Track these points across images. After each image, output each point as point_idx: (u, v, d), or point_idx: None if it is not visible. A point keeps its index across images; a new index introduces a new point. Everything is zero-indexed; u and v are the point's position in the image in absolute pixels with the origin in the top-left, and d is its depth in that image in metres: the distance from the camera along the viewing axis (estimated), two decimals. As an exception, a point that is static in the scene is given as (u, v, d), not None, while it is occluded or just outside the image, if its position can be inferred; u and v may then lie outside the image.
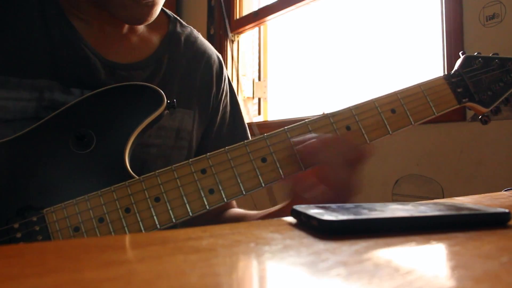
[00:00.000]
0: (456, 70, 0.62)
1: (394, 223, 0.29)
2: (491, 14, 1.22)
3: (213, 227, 0.31)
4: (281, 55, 2.20)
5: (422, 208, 0.33)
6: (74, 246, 0.28)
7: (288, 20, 2.11)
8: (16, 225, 0.52)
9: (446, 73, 0.62)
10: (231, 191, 0.53)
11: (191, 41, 0.79)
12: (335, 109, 0.57)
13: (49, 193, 0.54)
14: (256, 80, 2.26)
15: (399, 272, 0.20)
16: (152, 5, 0.64)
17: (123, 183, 0.53)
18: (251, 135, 0.78)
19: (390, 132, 0.57)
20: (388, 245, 0.26)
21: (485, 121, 0.62)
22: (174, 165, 0.53)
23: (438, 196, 1.28)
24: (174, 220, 0.51)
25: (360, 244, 0.25)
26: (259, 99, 2.23)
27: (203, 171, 0.53)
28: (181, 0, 2.56)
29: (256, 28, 2.25)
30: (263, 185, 0.53)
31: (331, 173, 0.52)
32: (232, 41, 2.26)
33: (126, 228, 0.51)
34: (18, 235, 0.52)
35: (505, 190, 0.60)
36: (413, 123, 0.58)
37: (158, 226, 0.51)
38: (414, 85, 0.59)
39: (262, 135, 0.55)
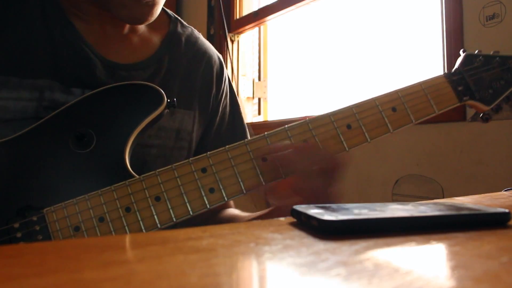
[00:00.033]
0: (456, 68, 0.62)
1: (394, 223, 0.29)
2: (491, 14, 1.22)
3: (213, 227, 0.31)
4: (281, 55, 2.20)
5: (422, 208, 0.33)
6: (74, 246, 0.28)
7: (288, 20, 2.11)
8: (16, 225, 0.52)
9: (446, 71, 0.62)
10: (232, 190, 0.53)
11: (191, 42, 0.79)
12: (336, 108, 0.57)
13: (49, 193, 0.54)
14: (256, 80, 2.26)
15: (399, 272, 0.20)
16: (153, 5, 0.64)
17: (123, 182, 0.53)
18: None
19: (391, 131, 0.57)
20: (388, 245, 0.26)
21: (486, 119, 0.62)
22: (174, 164, 0.53)
23: (438, 196, 1.28)
24: (174, 219, 0.51)
25: (360, 244, 0.25)
26: (259, 99, 2.23)
27: (204, 170, 0.53)
28: (181, 0, 2.56)
29: (256, 28, 2.25)
30: (263, 184, 0.53)
31: (303, 183, 0.52)
32: (232, 41, 2.26)
33: (126, 228, 0.51)
34: (18, 234, 0.52)
35: (505, 190, 0.60)
36: (414, 121, 0.58)
37: (158, 225, 0.51)
38: (414, 84, 0.59)
39: (262, 134, 0.55)
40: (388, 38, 1.67)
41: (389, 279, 0.19)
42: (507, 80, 0.61)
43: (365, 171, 1.51)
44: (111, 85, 0.61)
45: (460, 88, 0.60)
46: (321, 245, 0.25)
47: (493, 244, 0.26)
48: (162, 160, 0.69)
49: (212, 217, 0.77)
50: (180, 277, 0.20)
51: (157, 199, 0.52)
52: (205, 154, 0.54)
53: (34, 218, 0.52)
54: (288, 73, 2.15)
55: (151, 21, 0.66)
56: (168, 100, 0.60)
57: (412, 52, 1.57)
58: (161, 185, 0.52)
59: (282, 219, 0.35)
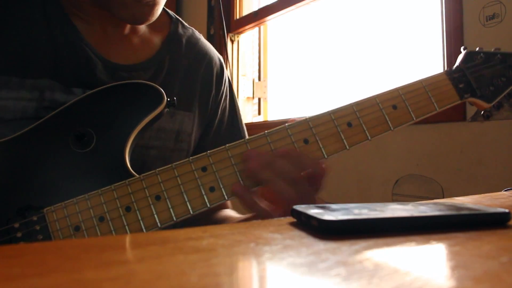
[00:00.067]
0: (457, 66, 0.62)
1: (394, 223, 0.29)
2: (491, 14, 1.22)
3: (213, 227, 0.31)
4: (281, 55, 2.20)
5: (422, 208, 0.33)
6: (74, 246, 0.28)
7: (288, 20, 2.11)
8: (16, 225, 0.52)
9: (447, 69, 0.62)
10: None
11: (192, 43, 0.79)
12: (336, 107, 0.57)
13: (49, 192, 0.54)
14: (256, 80, 2.26)
15: (399, 272, 0.20)
16: (153, 5, 0.64)
17: (123, 181, 0.53)
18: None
19: (392, 128, 0.57)
20: (388, 245, 0.26)
21: (487, 116, 0.62)
22: (174, 163, 0.53)
23: (438, 196, 1.28)
24: (174, 218, 0.51)
25: (360, 244, 0.25)
26: (259, 99, 2.23)
27: (204, 169, 0.53)
28: (181, 0, 2.55)
29: (256, 28, 2.25)
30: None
31: (276, 190, 0.52)
32: (232, 41, 2.26)
33: (126, 227, 0.51)
34: (19, 234, 0.52)
35: (505, 190, 0.60)
36: (414, 119, 0.57)
37: (158, 224, 0.51)
38: (415, 81, 0.59)
39: (263, 133, 0.55)
40: (388, 38, 1.67)
41: (389, 279, 0.19)
42: (508, 77, 0.61)
43: (365, 171, 1.51)
44: (110, 84, 0.61)
45: (461, 86, 0.60)
46: (321, 245, 0.25)
47: (493, 244, 0.26)
48: (162, 161, 0.69)
49: (206, 217, 0.76)
50: (180, 277, 0.20)
51: (157, 198, 0.52)
52: (205, 153, 0.54)
53: (34, 218, 0.52)
54: (288, 73, 2.15)
55: (151, 21, 0.66)
56: (168, 99, 0.59)
57: (412, 52, 1.57)
58: (161, 184, 0.52)
59: (282, 219, 0.35)
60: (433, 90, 0.59)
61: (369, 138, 0.56)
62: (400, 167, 1.40)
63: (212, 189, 0.52)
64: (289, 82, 2.13)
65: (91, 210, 0.52)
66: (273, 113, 2.19)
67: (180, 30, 0.79)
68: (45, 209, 0.52)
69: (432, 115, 0.59)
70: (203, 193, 0.52)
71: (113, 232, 0.51)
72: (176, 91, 0.73)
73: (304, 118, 0.56)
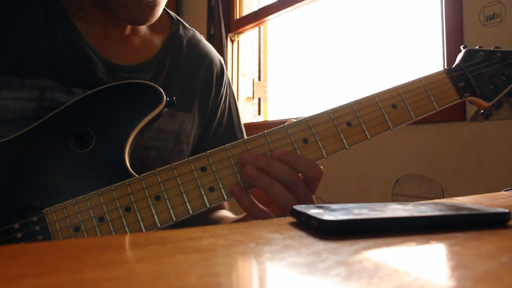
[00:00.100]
0: (457, 64, 0.61)
1: (394, 223, 0.29)
2: (491, 14, 1.22)
3: (213, 227, 0.31)
4: (281, 55, 2.20)
5: (422, 208, 0.33)
6: (74, 246, 0.28)
7: (288, 20, 2.11)
8: (16, 225, 0.52)
9: (447, 67, 0.62)
10: None
11: (193, 44, 0.79)
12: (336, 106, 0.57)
13: (49, 193, 0.54)
14: (256, 80, 2.26)
15: (399, 272, 0.20)
16: (154, 5, 0.63)
17: (123, 182, 0.53)
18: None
19: (391, 128, 0.57)
20: (388, 245, 0.26)
21: (487, 115, 0.62)
22: (174, 163, 0.53)
23: (438, 196, 1.28)
24: (174, 218, 0.51)
25: (360, 244, 0.25)
26: (259, 99, 2.24)
27: (203, 169, 0.53)
28: (181, 0, 2.56)
29: (256, 28, 2.25)
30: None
31: (273, 196, 0.51)
32: (232, 41, 2.26)
33: (126, 227, 0.51)
34: (19, 235, 0.52)
35: (505, 190, 0.60)
36: (414, 118, 0.57)
37: (158, 224, 0.51)
38: (415, 80, 0.59)
39: (262, 132, 0.55)
40: (388, 38, 1.67)
41: (389, 279, 0.19)
42: (508, 76, 0.61)
43: (365, 171, 1.51)
44: (110, 84, 0.61)
45: (461, 84, 0.60)
46: (321, 245, 0.25)
47: (493, 244, 0.26)
48: (161, 162, 0.69)
49: (201, 217, 0.76)
50: (180, 277, 0.20)
51: (157, 198, 0.52)
52: (204, 153, 0.54)
53: (34, 219, 0.52)
54: (288, 73, 2.15)
55: (152, 22, 0.66)
56: (167, 99, 0.59)
57: (413, 52, 1.58)
58: (161, 185, 0.52)
59: (282, 219, 0.35)
60: (432, 89, 0.58)
61: (369, 137, 0.56)
62: (400, 167, 1.40)
63: (211, 189, 0.52)
64: (289, 82, 2.13)
65: (91, 211, 0.52)
66: (273, 113, 2.19)
67: (181, 31, 0.78)
68: (45, 210, 0.52)
69: (432, 115, 0.59)
70: (203, 193, 0.52)
71: (113, 232, 0.51)
72: (177, 92, 0.72)
73: (304, 117, 0.56)
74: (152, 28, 0.75)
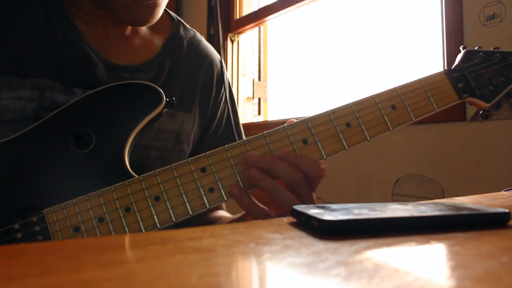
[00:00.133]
0: (456, 65, 0.61)
1: (394, 223, 0.29)
2: (491, 14, 1.22)
3: (213, 227, 0.31)
4: (281, 55, 2.20)
5: (422, 208, 0.33)
6: (74, 246, 0.28)
7: (288, 20, 2.11)
8: (16, 226, 0.52)
9: (446, 68, 0.62)
10: None
11: (194, 45, 0.79)
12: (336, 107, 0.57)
13: (49, 193, 0.54)
14: (256, 80, 2.26)
15: (399, 272, 0.20)
16: (154, 6, 0.63)
17: (123, 182, 0.53)
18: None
19: (391, 129, 0.57)
20: (388, 245, 0.26)
21: (486, 116, 0.62)
22: (173, 164, 0.53)
23: (438, 196, 1.28)
24: (174, 219, 0.51)
25: (360, 244, 0.25)
26: (259, 99, 2.24)
27: (203, 170, 0.53)
28: (181, 0, 2.56)
29: (256, 28, 2.25)
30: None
31: (276, 198, 0.51)
32: (232, 41, 2.26)
33: (126, 228, 0.51)
34: (19, 235, 0.52)
35: (505, 190, 0.60)
36: (413, 119, 0.57)
37: (158, 225, 0.51)
38: (414, 81, 0.59)
39: (262, 133, 0.55)
40: (388, 38, 1.67)
41: (389, 279, 0.19)
42: (507, 77, 0.61)
43: (365, 171, 1.51)
44: (110, 85, 0.61)
45: (460, 85, 0.60)
46: (321, 245, 0.25)
47: (493, 244, 0.26)
48: (161, 162, 0.69)
49: (199, 217, 0.76)
50: (180, 277, 0.20)
51: (157, 199, 0.52)
52: (204, 153, 0.54)
53: (34, 219, 0.52)
54: (288, 73, 2.15)
55: (152, 23, 0.66)
56: (167, 100, 0.59)
57: (412, 52, 1.58)
58: (161, 185, 0.52)
59: (282, 219, 0.35)
60: (432, 90, 0.58)
61: (368, 138, 0.56)
62: (400, 167, 1.40)
63: (211, 190, 0.52)
64: (289, 82, 2.13)
65: (90, 211, 0.52)
66: (273, 113, 2.19)
67: (182, 31, 0.79)
68: (44, 210, 0.52)
69: (432, 115, 0.59)
70: (203, 193, 0.52)
71: (113, 233, 0.51)
72: (177, 92, 0.72)
73: (303, 118, 0.56)
74: (153, 28, 0.75)
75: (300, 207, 0.32)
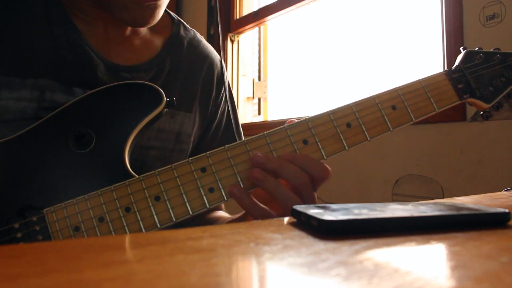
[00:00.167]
0: (457, 66, 0.62)
1: (394, 223, 0.29)
2: (491, 14, 1.22)
3: (213, 227, 0.31)
4: (281, 55, 2.20)
5: (422, 208, 0.33)
6: (74, 246, 0.28)
7: (288, 20, 2.11)
8: (16, 225, 0.52)
9: (447, 69, 0.62)
10: None
11: (194, 45, 0.79)
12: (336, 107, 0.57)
13: (49, 193, 0.54)
14: (256, 80, 2.26)
15: (399, 272, 0.20)
16: (155, 8, 0.63)
17: (123, 182, 0.53)
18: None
19: (391, 129, 0.57)
20: (388, 245, 0.26)
21: (486, 117, 0.62)
22: (173, 164, 0.53)
23: (438, 196, 1.28)
24: (174, 219, 0.51)
25: (360, 244, 0.25)
26: (259, 99, 2.24)
27: (203, 170, 0.53)
28: (181, 0, 2.56)
29: (256, 28, 2.25)
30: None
31: (279, 199, 0.51)
32: (232, 41, 2.26)
33: (126, 228, 0.51)
34: (19, 235, 0.52)
35: (505, 190, 0.60)
36: (414, 119, 0.57)
37: (158, 225, 0.51)
38: (414, 81, 0.59)
39: (262, 133, 0.55)
40: (388, 38, 1.67)
41: (389, 279, 0.19)
42: (507, 78, 0.61)
43: (365, 171, 1.51)
44: (110, 85, 0.61)
45: (460, 86, 0.60)
46: (321, 245, 0.25)
47: (493, 244, 0.26)
48: (161, 162, 0.69)
49: (198, 217, 0.76)
50: (180, 277, 0.20)
51: (157, 199, 0.52)
52: (204, 153, 0.54)
53: (34, 218, 0.52)
54: (288, 73, 2.15)
55: (153, 24, 0.66)
56: (167, 99, 0.59)
57: (412, 52, 1.58)
58: (161, 185, 0.52)
59: (282, 219, 0.35)
60: (432, 90, 0.59)
61: (368, 139, 0.56)
62: (400, 167, 1.40)
63: (211, 190, 0.52)
64: (289, 82, 2.13)
65: (90, 211, 0.52)
66: (273, 113, 2.19)
67: (182, 32, 0.79)
68: (45, 210, 0.52)
69: (432, 115, 0.59)
70: (203, 194, 0.52)
71: (113, 232, 0.51)
72: (177, 92, 0.73)
73: (304, 118, 0.56)
74: (153, 28, 0.75)
75: (300, 207, 0.32)
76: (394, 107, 0.57)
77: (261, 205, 0.52)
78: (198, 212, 0.52)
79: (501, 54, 0.62)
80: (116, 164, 0.56)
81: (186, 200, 0.52)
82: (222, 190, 0.52)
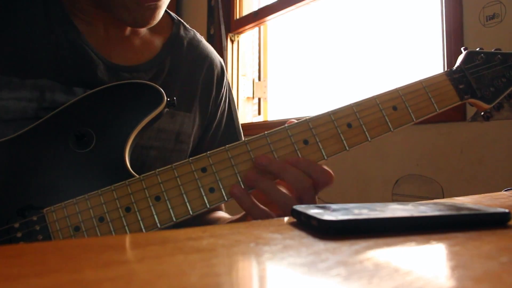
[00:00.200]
0: (458, 66, 0.61)
1: (394, 223, 0.29)
2: (491, 14, 1.22)
3: (213, 227, 0.31)
4: (281, 55, 2.20)
5: (422, 208, 0.33)
6: (74, 246, 0.28)
7: (288, 20, 2.11)
8: (16, 225, 0.52)
9: (447, 69, 0.62)
10: None
11: (194, 45, 0.79)
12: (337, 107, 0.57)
13: (49, 192, 0.54)
14: (256, 80, 2.26)
15: (399, 272, 0.20)
16: (155, 8, 0.63)
17: (123, 182, 0.53)
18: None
19: (392, 130, 0.57)
20: (388, 245, 0.26)
21: (487, 117, 0.62)
22: (174, 164, 0.53)
23: (438, 196, 1.28)
24: (174, 219, 0.51)
25: (360, 244, 0.25)
26: (259, 99, 2.24)
27: (204, 170, 0.53)
28: (181, 0, 2.56)
29: (256, 28, 2.25)
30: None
31: (274, 199, 0.51)
32: (232, 41, 2.26)
33: (126, 227, 0.51)
34: (19, 234, 0.52)
35: (505, 190, 0.60)
36: (414, 120, 0.57)
37: (158, 225, 0.51)
38: (415, 82, 0.59)
39: (262, 133, 0.55)
40: (388, 38, 1.67)
41: (389, 279, 0.19)
42: (508, 78, 0.61)
43: (365, 171, 1.51)
44: (110, 84, 0.61)
45: (461, 86, 0.60)
46: (321, 245, 0.25)
47: (493, 244, 0.26)
48: (161, 162, 0.69)
49: (197, 217, 0.76)
50: (180, 277, 0.20)
51: (157, 199, 0.52)
52: (205, 153, 0.54)
53: (34, 218, 0.52)
54: (288, 73, 2.15)
55: (153, 25, 0.66)
56: (168, 99, 0.59)
57: (412, 52, 1.58)
58: (161, 185, 0.52)
59: (282, 219, 0.35)
60: (433, 91, 0.58)
61: (369, 139, 0.56)
62: (400, 167, 1.40)
63: (212, 190, 0.52)
64: (289, 82, 2.13)
65: (91, 211, 0.52)
66: (273, 113, 2.19)
67: (182, 32, 0.79)
68: (45, 209, 0.52)
69: (432, 115, 0.59)
70: (203, 194, 0.52)
71: (113, 232, 0.51)
72: (177, 92, 0.73)
73: (304, 118, 0.56)
74: (153, 29, 0.75)
75: (300, 207, 0.32)
76: (395, 108, 0.57)
77: (261, 206, 0.52)
78: (199, 212, 0.52)
79: (502, 54, 0.62)
80: (116, 164, 0.56)
81: (186, 200, 0.52)
82: (222, 190, 0.52)
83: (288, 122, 0.56)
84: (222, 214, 0.80)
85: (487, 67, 0.61)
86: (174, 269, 0.21)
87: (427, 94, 0.58)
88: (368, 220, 0.29)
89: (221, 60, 0.85)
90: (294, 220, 0.33)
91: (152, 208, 0.52)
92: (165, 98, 0.59)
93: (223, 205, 0.82)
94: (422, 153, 1.35)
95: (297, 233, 0.29)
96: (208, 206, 0.52)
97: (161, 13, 0.66)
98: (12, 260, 0.23)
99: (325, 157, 0.55)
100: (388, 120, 0.57)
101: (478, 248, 0.25)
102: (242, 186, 0.52)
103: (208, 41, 0.86)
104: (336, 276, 0.20)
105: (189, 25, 0.83)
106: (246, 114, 2.20)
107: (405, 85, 0.58)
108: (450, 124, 1.28)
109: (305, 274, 0.20)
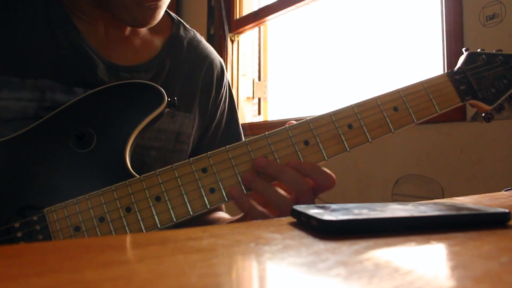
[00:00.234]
0: (459, 67, 0.61)
1: (394, 223, 0.29)
2: (491, 14, 1.22)
3: (213, 227, 0.31)
4: (281, 55, 2.20)
5: (422, 208, 0.33)
6: (74, 246, 0.28)
7: (288, 20, 2.11)
8: (16, 225, 0.52)
9: (448, 70, 0.62)
10: None
11: (194, 45, 0.79)
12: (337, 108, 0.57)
13: (50, 192, 0.54)
14: (256, 80, 2.26)
15: (399, 272, 0.20)
16: (155, 8, 0.63)
17: (124, 182, 0.53)
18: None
19: (393, 131, 0.57)
20: (388, 245, 0.26)
21: (488, 118, 0.62)
22: (174, 164, 0.53)
23: (438, 196, 1.28)
24: (174, 219, 0.51)
25: (360, 244, 0.25)
26: (259, 99, 2.24)
27: (204, 170, 0.53)
28: (181, 0, 2.56)
29: (256, 28, 2.25)
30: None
31: (270, 201, 0.51)
32: (232, 41, 2.26)
33: (126, 228, 0.51)
34: (19, 234, 0.52)
35: (505, 190, 0.60)
36: (415, 121, 0.57)
37: (158, 225, 0.51)
38: (416, 83, 0.59)
39: (263, 134, 0.55)
40: (388, 38, 1.67)
41: (389, 279, 0.19)
42: (510, 80, 0.61)
43: (365, 171, 1.51)
44: (111, 84, 0.61)
45: (462, 87, 0.59)
46: (321, 245, 0.25)
47: (493, 244, 0.26)
48: (161, 162, 0.69)
49: (198, 218, 0.76)
50: (180, 277, 0.20)
51: (158, 199, 0.52)
52: (205, 154, 0.54)
53: (35, 218, 0.52)
54: (288, 73, 2.15)
55: (153, 25, 0.66)
56: (169, 99, 0.59)
57: (412, 52, 1.58)
58: (162, 185, 0.52)
59: (282, 219, 0.35)
60: (434, 92, 0.58)
61: (370, 140, 0.56)
62: (400, 167, 1.40)
63: (212, 191, 0.52)
64: (289, 82, 2.13)
65: (91, 211, 0.52)
66: (273, 113, 2.19)
67: (182, 32, 0.79)
68: (45, 209, 0.52)
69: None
70: (204, 194, 0.52)
71: (113, 232, 0.51)
72: (177, 92, 0.73)
73: (305, 119, 0.56)
74: (153, 29, 0.75)
75: (300, 207, 0.32)
76: (396, 109, 0.57)
77: (260, 207, 0.52)
78: (199, 213, 0.52)
79: (503, 55, 0.61)
80: (117, 164, 0.56)
81: (186, 200, 0.52)
82: (223, 190, 0.52)
83: (287, 123, 0.56)
84: (222, 214, 0.80)
85: (488, 68, 0.61)
86: (174, 269, 0.21)
87: (428, 95, 0.58)
88: (368, 220, 0.29)
89: (221, 60, 0.85)
90: (294, 220, 0.33)
91: (152, 208, 0.52)
92: (166, 98, 0.59)
93: (223, 206, 0.82)
94: (422, 153, 1.35)
95: (297, 233, 0.29)
96: (208, 206, 0.52)
97: (161, 13, 0.66)
98: (12, 260, 0.23)
99: (326, 158, 0.55)
100: (389, 121, 0.56)
101: (478, 248, 0.25)
102: (243, 187, 0.52)
103: (208, 41, 0.86)
104: (336, 276, 0.20)
105: (189, 25, 0.83)
106: (246, 114, 2.20)
107: (406, 86, 0.58)
108: (450, 124, 1.28)
109: (305, 274, 0.20)
